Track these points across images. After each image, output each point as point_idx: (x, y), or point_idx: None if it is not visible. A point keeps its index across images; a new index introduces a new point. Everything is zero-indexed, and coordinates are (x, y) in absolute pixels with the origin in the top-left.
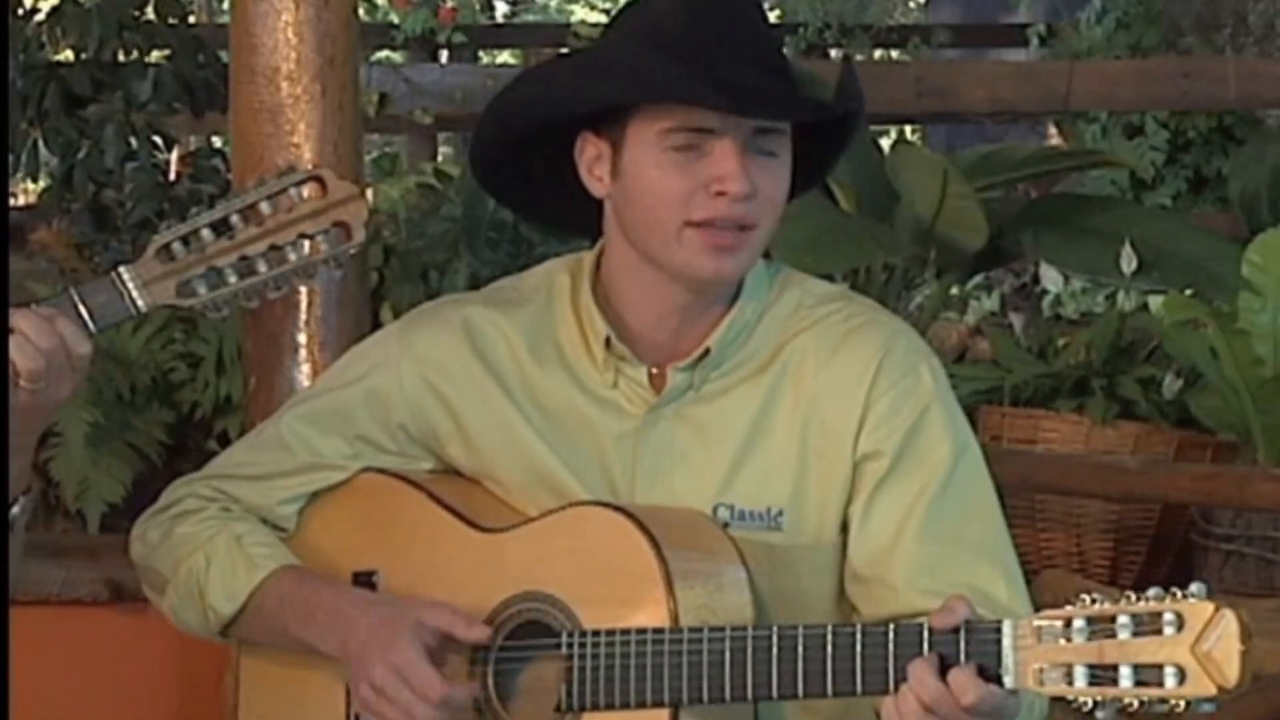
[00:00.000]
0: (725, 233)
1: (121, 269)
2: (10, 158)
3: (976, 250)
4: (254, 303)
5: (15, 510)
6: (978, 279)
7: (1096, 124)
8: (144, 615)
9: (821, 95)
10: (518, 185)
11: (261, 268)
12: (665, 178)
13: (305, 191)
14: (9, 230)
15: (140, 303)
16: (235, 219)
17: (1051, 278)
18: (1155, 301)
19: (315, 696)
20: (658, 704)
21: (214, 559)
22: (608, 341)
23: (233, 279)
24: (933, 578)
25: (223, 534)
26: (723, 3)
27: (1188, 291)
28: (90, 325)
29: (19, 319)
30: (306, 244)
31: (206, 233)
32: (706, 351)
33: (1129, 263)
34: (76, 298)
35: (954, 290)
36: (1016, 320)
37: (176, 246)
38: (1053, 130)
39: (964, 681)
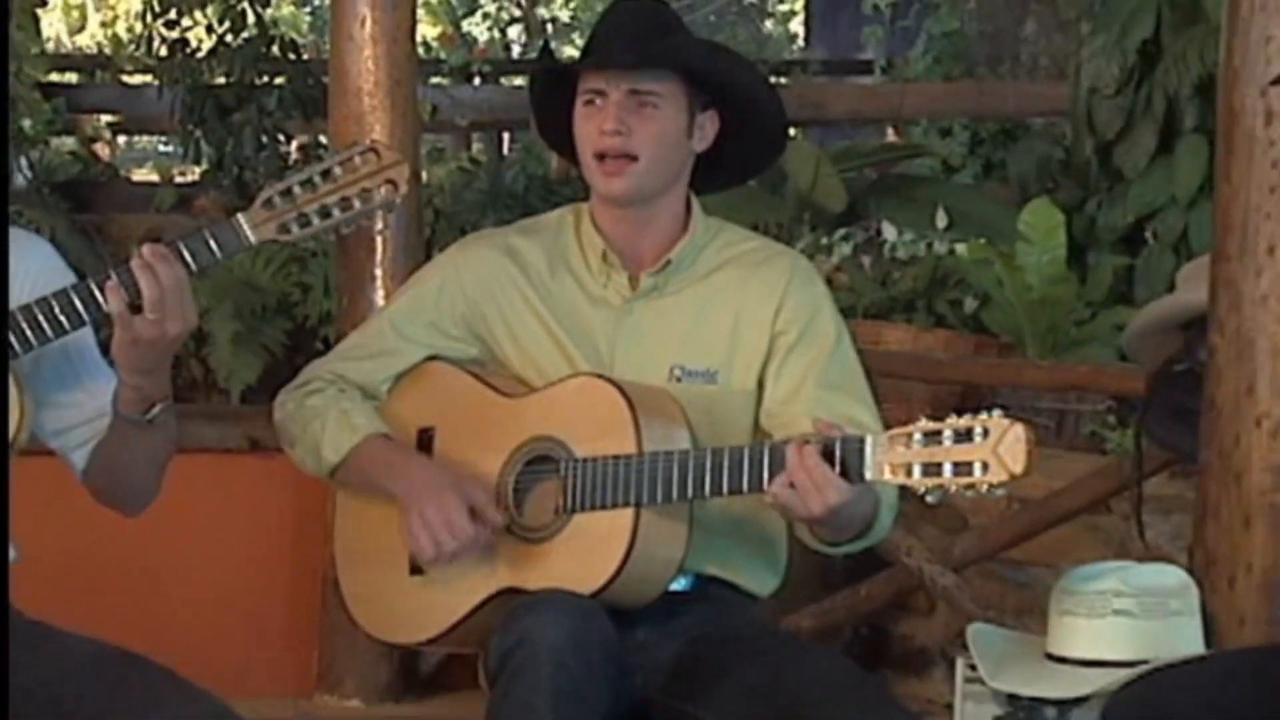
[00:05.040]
0: (610, 161)
1: (239, 215)
2: (179, 149)
3: (838, 212)
4: (330, 237)
5: (157, 410)
6: (839, 232)
7: (920, 127)
8: (272, 461)
9: (713, 52)
10: (556, 138)
11: (335, 213)
12: (582, 125)
13: (364, 159)
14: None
15: (251, 238)
16: (316, 178)
17: (889, 231)
18: (960, 247)
19: (385, 508)
20: (625, 504)
21: (328, 425)
22: (604, 254)
23: (315, 220)
24: (824, 410)
25: (335, 408)
26: (631, 4)
27: (982, 240)
28: (193, 267)
29: (151, 255)
30: (366, 195)
31: (297, 189)
32: (668, 263)
33: (941, 221)
34: (208, 234)
35: (823, 240)
36: (865, 261)
37: (276, 199)
38: (891, 131)
39: (827, 477)
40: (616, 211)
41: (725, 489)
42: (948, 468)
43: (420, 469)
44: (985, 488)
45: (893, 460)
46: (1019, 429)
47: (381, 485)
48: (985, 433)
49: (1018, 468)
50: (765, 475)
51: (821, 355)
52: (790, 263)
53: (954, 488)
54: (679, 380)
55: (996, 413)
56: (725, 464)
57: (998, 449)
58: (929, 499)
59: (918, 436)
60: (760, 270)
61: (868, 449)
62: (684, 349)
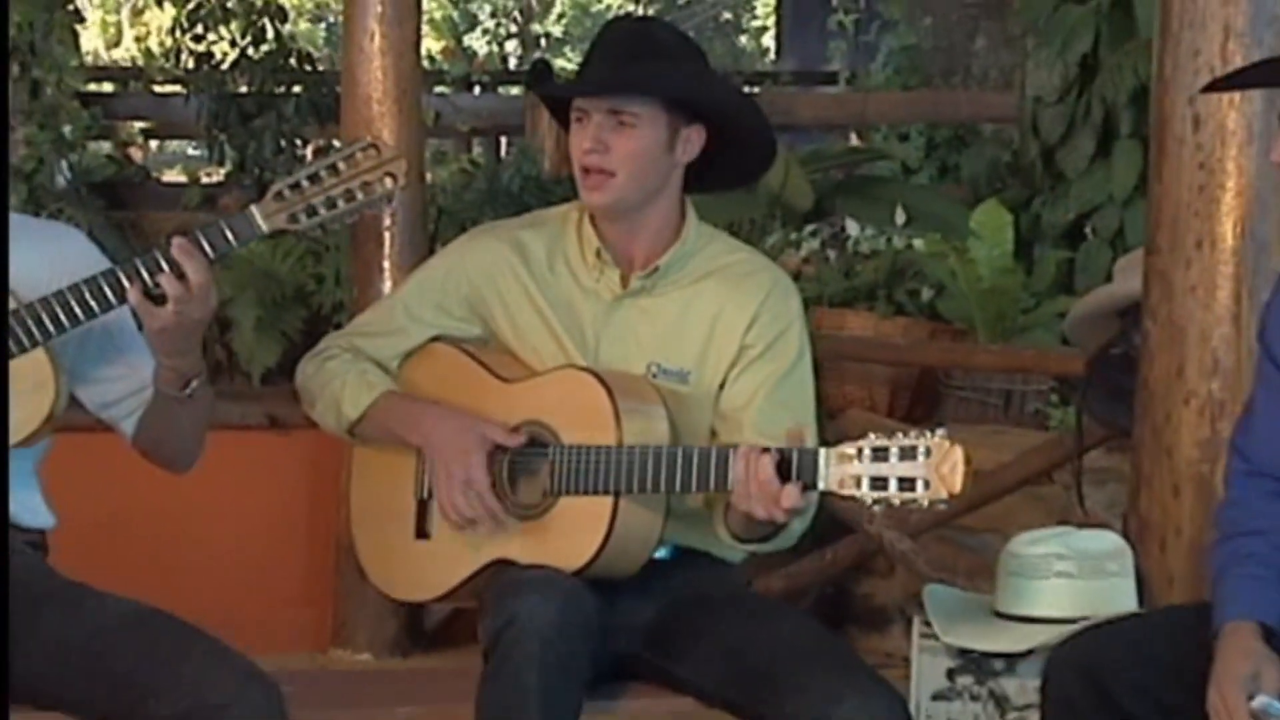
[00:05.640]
0: (592, 175)
1: (252, 207)
2: (205, 152)
3: (806, 210)
4: (336, 225)
5: (194, 385)
6: (808, 228)
7: (881, 132)
8: (290, 437)
9: (699, 79)
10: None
11: (340, 203)
12: (572, 140)
13: (366, 154)
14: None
15: (264, 227)
16: (322, 173)
17: (852, 227)
18: (917, 242)
19: (396, 475)
20: (607, 492)
21: (347, 384)
22: (598, 252)
23: (322, 211)
24: (769, 425)
25: (353, 369)
26: (627, 22)
27: (937, 235)
28: (210, 254)
29: (178, 252)
30: (368, 187)
31: (305, 182)
32: (656, 268)
33: (900, 218)
34: (224, 224)
35: (792, 235)
36: (831, 254)
37: (286, 191)
38: (854, 136)
39: (790, 491)
40: (602, 220)
41: (694, 486)
42: (893, 483)
43: (438, 418)
44: (926, 503)
45: (844, 474)
46: (958, 453)
47: (400, 436)
48: (928, 452)
49: (956, 488)
50: (729, 476)
51: (778, 372)
52: (770, 280)
53: (898, 502)
54: (655, 376)
55: (940, 432)
56: (695, 463)
57: (940, 468)
58: (875, 509)
59: (867, 452)
60: (743, 283)
61: (820, 462)
62: (662, 348)
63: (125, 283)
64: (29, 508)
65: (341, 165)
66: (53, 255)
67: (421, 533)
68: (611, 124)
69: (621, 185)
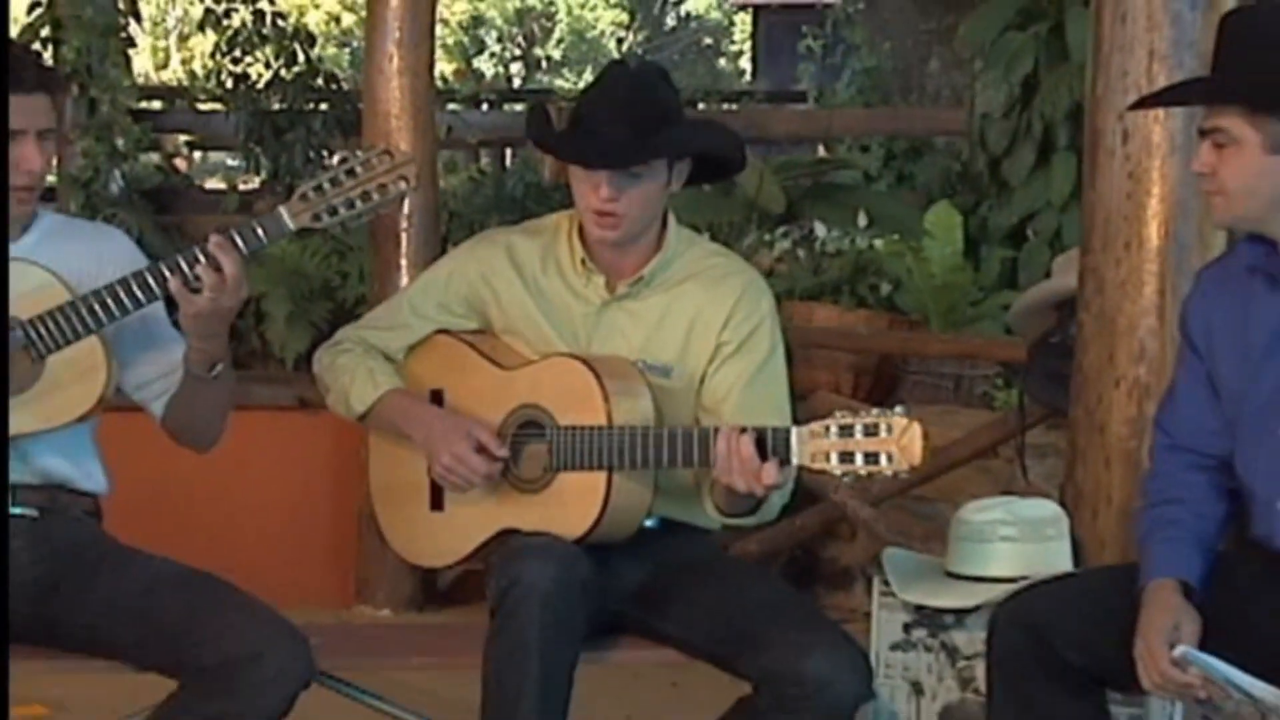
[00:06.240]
0: (605, 218)
1: (280, 207)
2: (242, 163)
3: (778, 214)
4: (355, 224)
5: (219, 368)
6: (780, 230)
7: (845, 145)
8: (318, 417)
9: (696, 132)
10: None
11: (358, 204)
12: (578, 185)
13: (380, 160)
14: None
15: (291, 225)
16: (342, 176)
17: (820, 229)
18: (877, 242)
19: (410, 454)
20: (600, 468)
21: (356, 380)
22: (584, 261)
23: (342, 210)
24: (745, 415)
25: (362, 366)
26: (626, 77)
27: (895, 236)
28: (243, 249)
29: (214, 246)
30: (383, 189)
31: (326, 185)
32: (641, 277)
33: (862, 221)
34: (255, 223)
35: (766, 236)
36: (800, 253)
37: (310, 193)
38: (821, 148)
39: (755, 460)
40: (599, 244)
41: (680, 462)
42: (860, 457)
43: (434, 418)
44: (890, 473)
45: (814, 449)
46: (917, 428)
47: (401, 430)
48: (890, 428)
49: (916, 460)
50: (711, 453)
51: (752, 366)
52: (744, 282)
53: (865, 473)
54: (641, 372)
55: (900, 410)
56: (679, 442)
57: (901, 441)
58: (845, 480)
59: (834, 429)
60: (718, 285)
61: (793, 440)
62: (647, 346)
63: (168, 275)
64: (88, 473)
65: (359, 170)
66: (99, 253)
67: (436, 505)
68: (623, 175)
69: (631, 223)
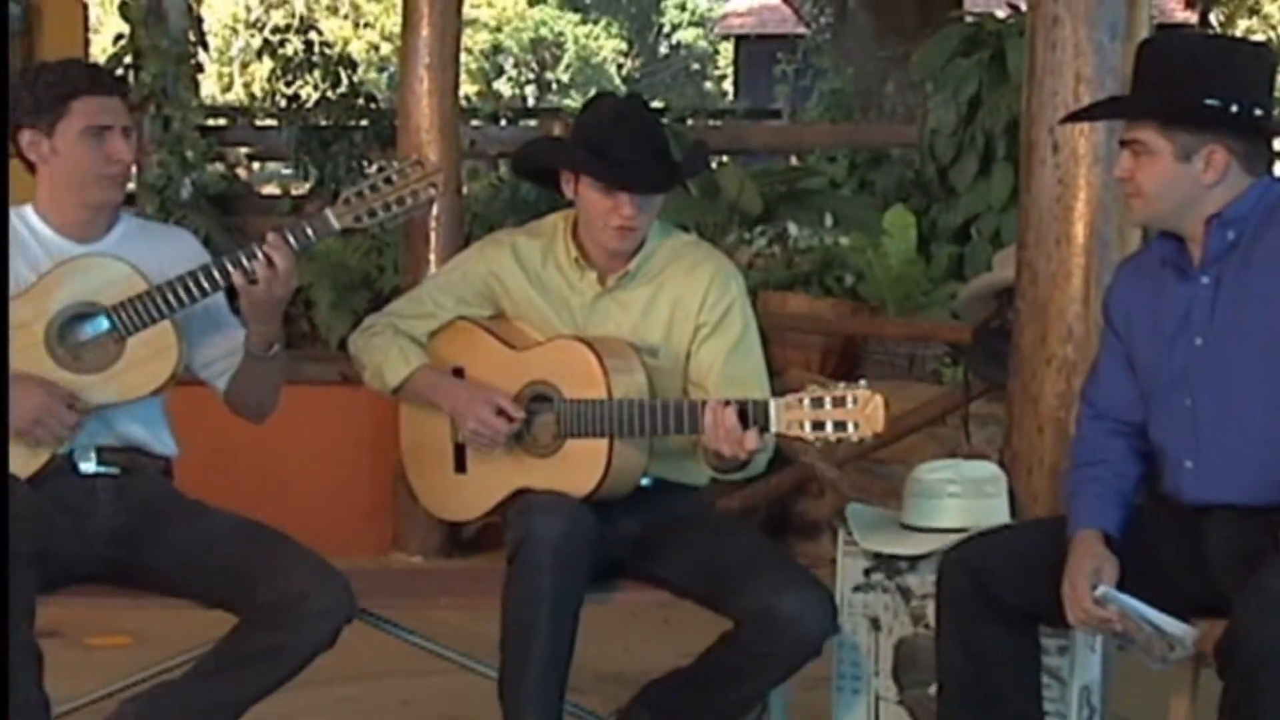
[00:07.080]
0: (627, 232)
1: (327, 209)
2: (294, 172)
3: (757, 215)
4: (391, 224)
5: (275, 349)
6: (758, 229)
7: (814, 155)
8: (358, 391)
9: (688, 153)
10: (539, 179)
11: (394, 207)
12: (596, 203)
13: (413, 169)
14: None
15: (336, 225)
16: (379, 183)
17: (793, 229)
18: (843, 240)
19: (437, 423)
20: (602, 435)
21: (390, 357)
22: (576, 260)
23: (380, 213)
24: (729, 387)
25: (394, 345)
26: (633, 111)
27: (858, 235)
28: (295, 246)
29: (270, 245)
30: (415, 194)
31: (366, 190)
32: (627, 272)
33: (829, 221)
34: (305, 223)
35: (745, 235)
36: (775, 250)
37: (352, 198)
38: (794, 158)
39: (739, 429)
40: (602, 249)
41: (671, 430)
42: (830, 425)
43: (459, 389)
44: (857, 439)
45: (790, 418)
46: (879, 400)
47: (431, 400)
48: (855, 400)
49: (879, 427)
50: (699, 422)
51: (729, 342)
52: (714, 268)
53: (834, 439)
54: (636, 350)
55: (862, 384)
56: (671, 413)
57: (865, 412)
58: (817, 446)
59: (807, 401)
60: (693, 272)
61: (771, 410)
62: (636, 330)
63: (230, 268)
64: (161, 439)
65: (395, 177)
66: (169, 250)
67: (460, 468)
68: (645, 196)
69: (643, 233)
